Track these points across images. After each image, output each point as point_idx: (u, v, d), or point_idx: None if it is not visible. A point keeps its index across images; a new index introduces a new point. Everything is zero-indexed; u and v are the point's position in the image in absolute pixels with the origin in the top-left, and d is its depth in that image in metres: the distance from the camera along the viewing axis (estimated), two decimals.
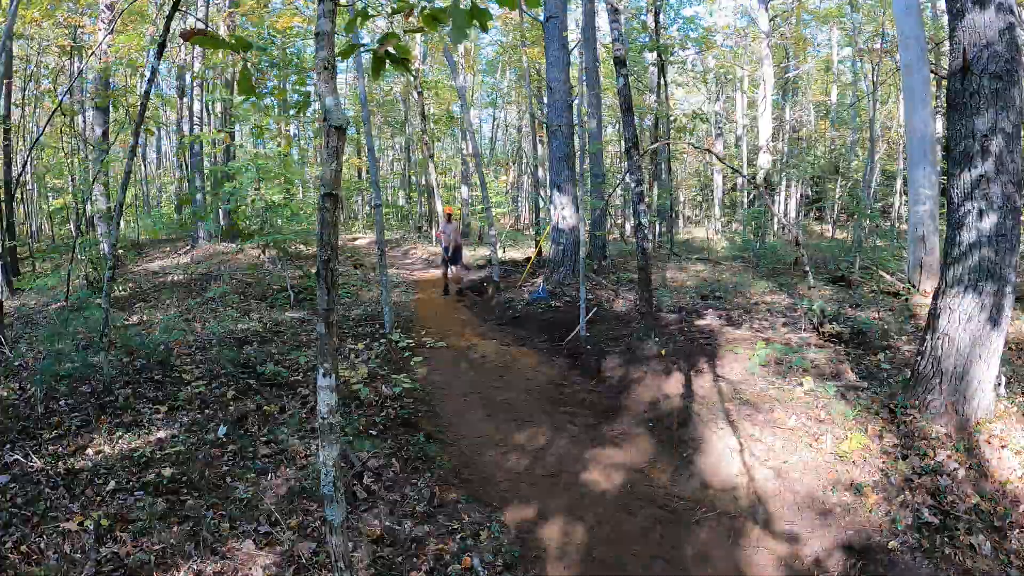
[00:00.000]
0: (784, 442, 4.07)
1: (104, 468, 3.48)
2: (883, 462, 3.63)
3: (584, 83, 11.74)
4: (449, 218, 11.00)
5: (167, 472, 3.45)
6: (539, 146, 24.26)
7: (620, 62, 6.54)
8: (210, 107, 17.13)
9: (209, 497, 3.25)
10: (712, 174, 23.92)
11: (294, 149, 26.08)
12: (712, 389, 4.97)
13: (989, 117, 3.69)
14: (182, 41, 14.66)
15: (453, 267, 10.94)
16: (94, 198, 10.94)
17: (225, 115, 15.81)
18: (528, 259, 13.03)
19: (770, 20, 14.76)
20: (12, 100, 13.21)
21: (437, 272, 12.86)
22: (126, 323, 7.18)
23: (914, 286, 7.82)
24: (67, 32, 13.30)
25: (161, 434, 4.00)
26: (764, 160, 13.78)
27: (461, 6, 1.96)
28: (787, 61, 20.81)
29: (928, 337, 4.04)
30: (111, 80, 12.48)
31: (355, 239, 19.95)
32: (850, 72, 22.05)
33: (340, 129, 2.07)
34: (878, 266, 9.31)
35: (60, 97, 10.28)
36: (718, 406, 4.68)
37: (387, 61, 2.33)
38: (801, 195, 24.47)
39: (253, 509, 3.18)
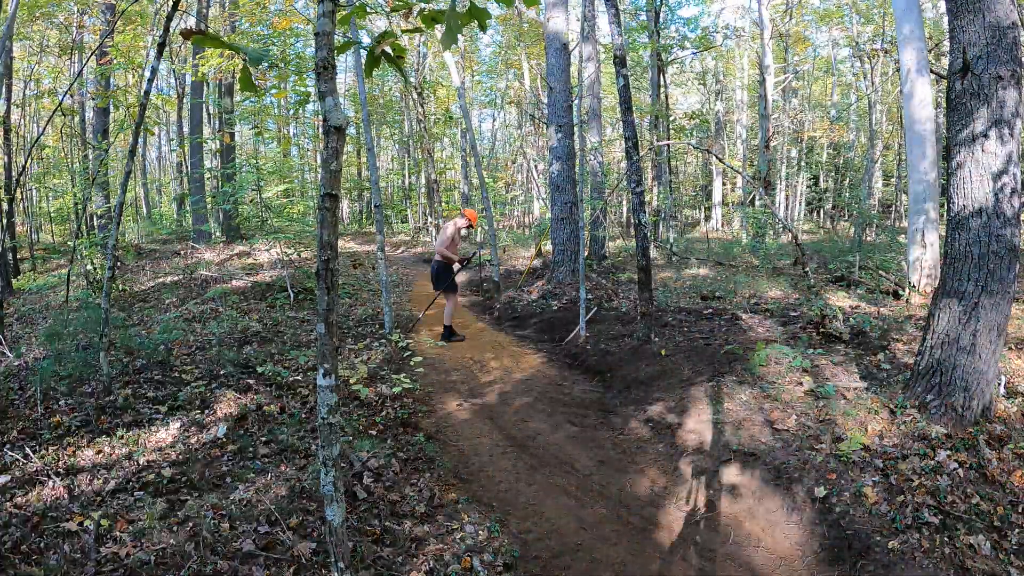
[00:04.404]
0: (784, 443, 4.07)
1: (104, 468, 3.47)
2: (883, 462, 3.63)
3: (584, 83, 11.75)
4: (470, 225, 7.78)
5: (167, 472, 3.44)
6: (538, 146, 24.27)
7: (620, 62, 6.54)
8: (210, 108, 17.14)
9: (209, 497, 3.25)
10: (712, 174, 23.94)
11: (294, 149, 26.13)
12: (713, 389, 4.97)
13: (989, 117, 3.69)
14: (182, 41, 14.68)
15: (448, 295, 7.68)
16: (94, 198, 10.95)
17: (223, 117, 15.81)
18: (529, 258, 13.03)
19: (770, 18, 14.77)
20: (12, 100, 13.22)
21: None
22: (126, 323, 7.18)
23: (914, 286, 7.82)
24: (67, 32, 13.31)
25: (161, 434, 4.01)
26: (764, 159, 13.79)
27: (457, 9, 1.96)
28: (787, 61, 20.81)
29: (928, 337, 4.04)
30: (111, 80, 12.49)
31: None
32: (850, 72, 22.07)
33: (339, 129, 2.07)
34: (878, 266, 9.31)
35: (60, 97, 10.29)
36: (718, 406, 4.68)
37: (382, 59, 2.33)
38: (802, 195, 24.48)
39: (253, 509, 3.18)
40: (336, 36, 2.15)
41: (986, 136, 3.70)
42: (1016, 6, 3.77)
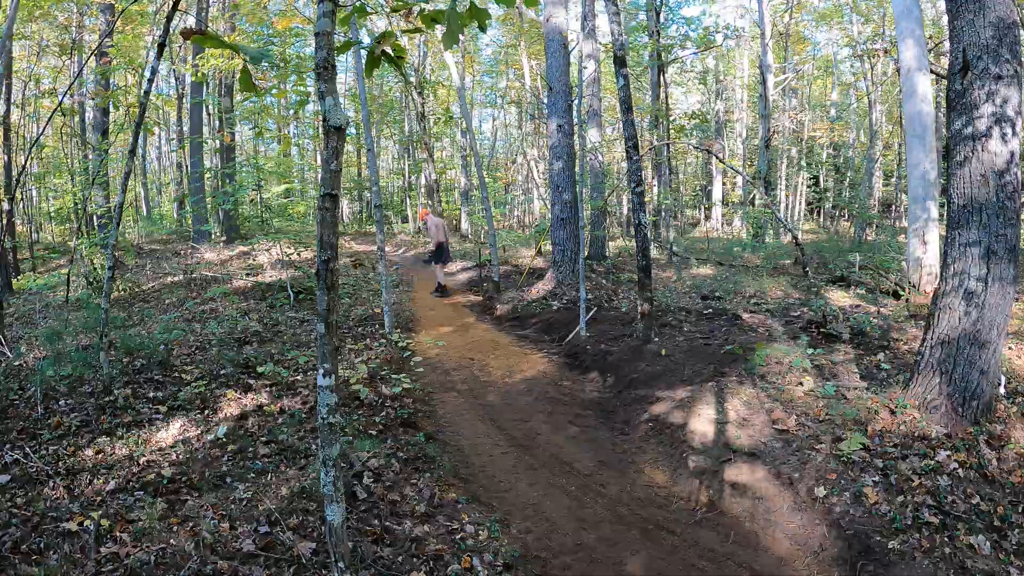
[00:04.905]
0: (785, 443, 4.07)
1: (104, 468, 3.47)
2: (883, 462, 3.63)
3: (584, 83, 11.74)
4: (426, 221, 11.11)
5: (167, 472, 3.44)
6: (538, 146, 24.28)
7: (620, 62, 6.54)
8: (210, 108, 17.14)
9: (209, 497, 3.25)
10: (712, 174, 23.94)
11: (294, 149, 26.13)
12: (712, 389, 4.97)
13: (990, 116, 3.69)
14: (182, 41, 14.68)
15: (440, 265, 10.87)
16: (94, 198, 10.95)
17: (222, 117, 15.82)
18: (529, 258, 13.03)
19: (770, 18, 14.76)
20: (12, 100, 13.22)
21: (434, 271, 12.76)
22: (126, 323, 7.18)
23: (914, 286, 7.82)
24: (66, 32, 13.30)
25: (161, 434, 4.01)
26: (764, 159, 13.79)
27: (458, 9, 1.96)
28: (787, 60, 20.82)
29: (928, 337, 4.03)
30: (111, 80, 12.49)
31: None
32: (850, 72, 22.08)
33: (339, 129, 2.07)
34: (878, 265, 9.32)
35: (60, 97, 10.29)
36: (719, 406, 4.68)
37: (382, 59, 2.33)
38: (802, 194, 24.48)
39: (253, 509, 3.18)
40: (336, 36, 2.15)
41: (986, 135, 3.70)
42: (1016, 6, 3.76)
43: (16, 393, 4.58)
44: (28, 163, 13.25)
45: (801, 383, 4.77)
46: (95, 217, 11.66)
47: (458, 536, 3.24)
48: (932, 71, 9.16)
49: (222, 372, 5.37)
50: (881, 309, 7.04)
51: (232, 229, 15.00)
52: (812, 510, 3.46)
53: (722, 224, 22.49)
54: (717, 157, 7.84)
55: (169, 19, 4.44)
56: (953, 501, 3.25)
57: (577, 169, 9.74)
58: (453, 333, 8.04)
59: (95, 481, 3.31)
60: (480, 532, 3.32)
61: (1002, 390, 4.14)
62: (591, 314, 7.75)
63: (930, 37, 12.54)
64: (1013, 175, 3.70)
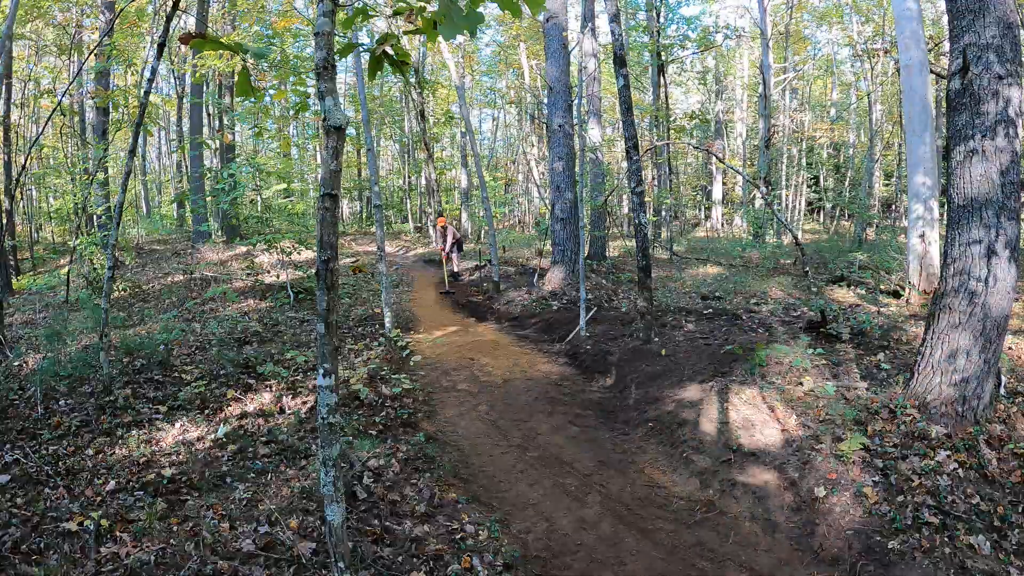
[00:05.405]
0: (784, 443, 4.07)
1: (104, 468, 3.47)
2: (883, 462, 3.63)
3: (584, 83, 11.73)
4: (444, 228, 12.18)
5: (167, 472, 3.44)
6: (538, 146, 24.28)
7: (620, 62, 6.54)
8: (209, 108, 17.13)
9: (209, 497, 3.25)
10: (713, 174, 23.93)
11: (294, 149, 26.13)
12: (712, 389, 4.97)
13: (989, 117, 3.69)
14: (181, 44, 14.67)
15: (453, 256, 12.16)
16: (93, 197, 10.95)
17: (222, 117, 15.80)
18: (528, 258, 13.03)
19: (770, 18, 14.75)
20: (12, 100, 13.21)
21: (433, 271, 13.12)
22: (126, 323, 7.18)
23: (914, 285, 7.82)
24: (65, 33, 13.29)
25: (161, 434, 4.01)
26: (764, 159, 13.79)
27: (459, 4, 1.96)
28: (787, 60, 20.81)
29: (928, 337, 4.03)
30: (111, 80, 12.48)
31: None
32: (850, 71, 22.07)
33: (339, 129, 2.07)
34: (878, 265, 9.32)
35: (59, 97, 10.30)
36: (718, 406, 4.68)
37: (384, 62, 2.33)
38: (802, 194, 24.47)
39: (253, 509, 3.18)
40: (337, 38, 2.15)
41: (986, 135, 3.70)
42: (1016, 7, 3.76)
43: (16, 393, 4.58)
44: (28, 163, 13.24)
45: (801, 383, 4.77)
46: (95, 217, 11.67)
47: (458, 536, 3.24)
48: (932, 71, 9.16)
49: (222, 372, 5.37)
50: (881, 309, 7.04)
51: (232, 229, 14.99)
52: (812, 510, 3.46)
53: (722, 224, 22.47)
54: (717, 157, 7.86)
55: (169, 19, 4.45)
56: (953, 501, 3.25)
57: (577, 169, 9.73)
58: (453, 333, 8.04)
59: (95, 481, 3.31)
60: (480, 532, 3.31)
61: (1002, 390, 4.14)
62: (591, 314, 7.75)
63: (930, 37, 12.54)
64: (1014, 174, 3.70)
